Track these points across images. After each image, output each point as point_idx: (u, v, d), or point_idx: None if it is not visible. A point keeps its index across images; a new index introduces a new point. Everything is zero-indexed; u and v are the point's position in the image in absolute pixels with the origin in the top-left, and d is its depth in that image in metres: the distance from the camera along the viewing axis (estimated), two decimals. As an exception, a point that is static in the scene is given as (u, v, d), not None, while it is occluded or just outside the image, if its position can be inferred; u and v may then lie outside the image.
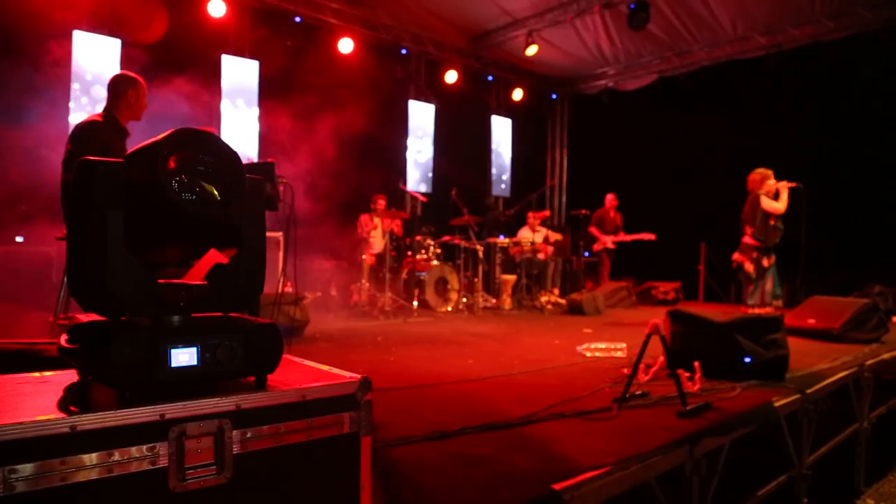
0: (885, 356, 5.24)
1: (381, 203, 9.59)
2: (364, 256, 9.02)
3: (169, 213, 1.38)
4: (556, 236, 11.00)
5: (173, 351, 1.37)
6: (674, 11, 10.22)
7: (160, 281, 1.46)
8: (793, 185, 7.22)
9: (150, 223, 1.43)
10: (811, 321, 6.36)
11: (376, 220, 9.56)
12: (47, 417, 1.20)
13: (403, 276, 9.19)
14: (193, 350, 1.40)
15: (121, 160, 1.41)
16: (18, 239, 6.89)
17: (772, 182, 7.31)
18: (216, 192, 1.40)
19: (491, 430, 2.92)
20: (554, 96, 14.48)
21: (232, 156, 1.44)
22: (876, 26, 9.46)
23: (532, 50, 11.10)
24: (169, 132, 1.36)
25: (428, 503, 2.15)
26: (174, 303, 1.46)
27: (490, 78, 13.15)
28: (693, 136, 11.37)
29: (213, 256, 1.61)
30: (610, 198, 11.26)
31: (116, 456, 1.26)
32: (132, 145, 4.47)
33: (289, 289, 6.31)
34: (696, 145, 11.32)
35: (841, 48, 9.91)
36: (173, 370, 1.37)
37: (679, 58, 11.75)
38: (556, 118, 14.78)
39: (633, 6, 9.62)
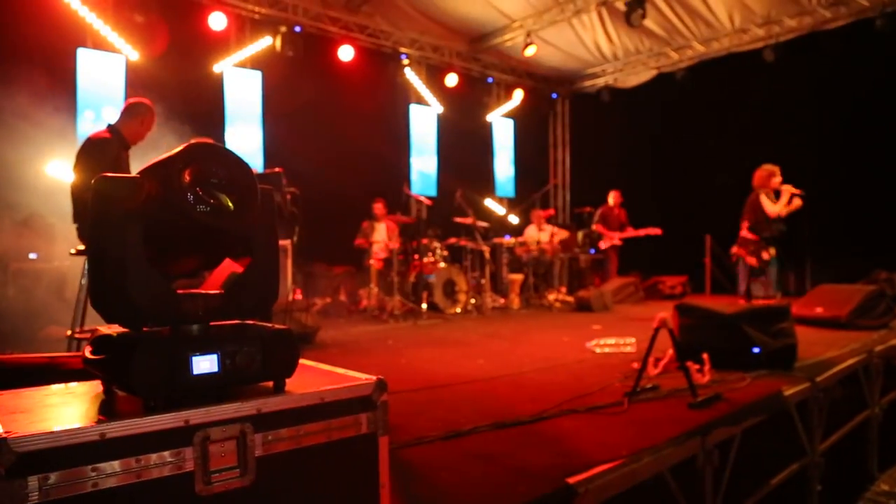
0: (894, 342, 5.26)
1: (379, 207, 9.66)
2: (371, 261, 9.07)
3: (185, 225, 1.42)
4: (561, 234, 11.03)
5: (195, 359, 1.41)
6: (670, 6, 10.26)
7: (179, 291, 1.51)
8: (796, 192, 7.23)
9: (167, 235, 1.48)
10: (819, 310, 6.38)
11: (377, 226, 9.62)
12: (77, 426, 1.24)
13: (411, 279, 9.23)
14: (214, 357, 1.44)
15: (137, 175, 1.46)
16: (32, 256, 6.97)
17: (777, 179, 7.33)
18: (230, 204, 1.45)
19: (504, 428, 2.95)
20: (554, 95, 14.51)
21: (244, 167, 1.48)
22: (872, 14, 9.48)
23: (531, 51, 11.14)
24: (183, 146, 1.40)
25: (446, 500, 2.19)
26: (193, 312, 1.50)
27: (490, 80, 13.19)
28: (694, 129, 11.41)
29: (229, 266, 1.65)
30: (614, 195, 11.25)
31: (144, 462, 1.29)
32: (133, 159, 4.55)
33: (298, 296, 6.38)
34: (697, 138, 11.35)
35: (838, 37, 9.93)
36: (195, 377, 1.41)
37: (677, 52, 11.77)
38: (557, 117, 14.81)
39: (629, 3, 9.64)
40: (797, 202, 7.25)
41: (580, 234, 11.72)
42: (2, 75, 7.18)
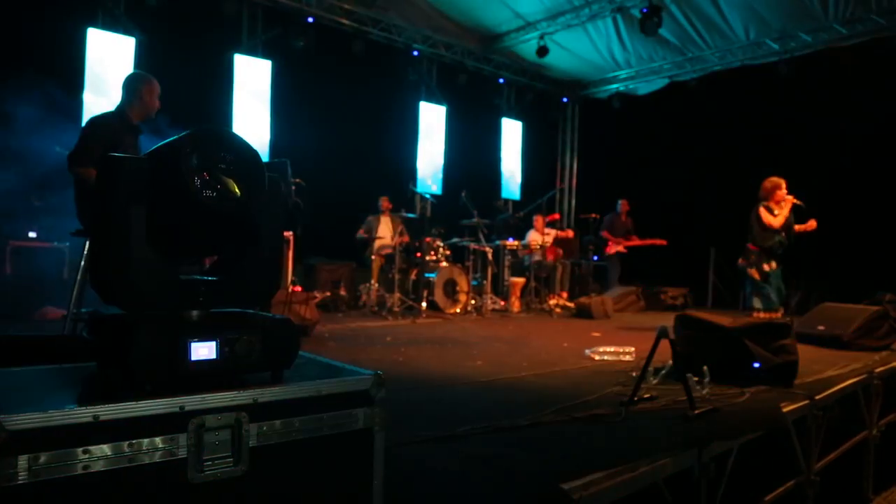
0: (895, 364, 5.23)
1: (385, 202, 9.64)
2: (373, 257, 9.05)
3: (191, 210, 1.40)
4: (564, 234, 11.02)
5: (193, 344, 1.40)
6: (686, 16, 10.24)
7: (180, 276, 1.49)
8: (797, 202, 7.21)
9: (171, 219, 1.46)
10: (821, 328, 6.33)
11: (382, 220, 9.60)
12: (71, 407, 1.22)
13: (412, 277, 9.21)
14: (213, 344, 1.43)
15: (144, 157, 1.44)
16: (31, 234, 6.95)
17: (782, 192, 7.31)
18: (237, 190, 1.43)
19: (500, 430, 2.93)
20: (565, 100, 14.49)
21: (252, 154, 1.46)
22: (889, 33, 9.45)
23: (544, 53, 11.12)
24: (192, 130, 1.38)
25: (439, 500, 2.17)
26: (194, 298, 1.49)
27: (501, 80, 13.18)
28: (704, 140, 11.39)
29: (232, 253, 1.63)
30: (623, 203, 11.23)
31: (137, 446, 1.28)
32: (145, 143, 4.52)
33: (297, 288, 6.35)
34: (706, 150, 11.33)
35: (853, 54, 9.90)
36: (193, 363, 1.40)
37: (691, 63, 11.75)
38: (567, 121, 14.80)
39: (645, 11, 9.62)
40: (812, 223, 7.23)
41: (584, 240, 11.69)
42: (10, 52, 7.15)
